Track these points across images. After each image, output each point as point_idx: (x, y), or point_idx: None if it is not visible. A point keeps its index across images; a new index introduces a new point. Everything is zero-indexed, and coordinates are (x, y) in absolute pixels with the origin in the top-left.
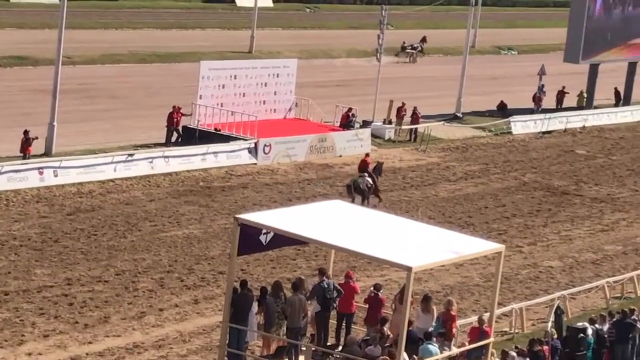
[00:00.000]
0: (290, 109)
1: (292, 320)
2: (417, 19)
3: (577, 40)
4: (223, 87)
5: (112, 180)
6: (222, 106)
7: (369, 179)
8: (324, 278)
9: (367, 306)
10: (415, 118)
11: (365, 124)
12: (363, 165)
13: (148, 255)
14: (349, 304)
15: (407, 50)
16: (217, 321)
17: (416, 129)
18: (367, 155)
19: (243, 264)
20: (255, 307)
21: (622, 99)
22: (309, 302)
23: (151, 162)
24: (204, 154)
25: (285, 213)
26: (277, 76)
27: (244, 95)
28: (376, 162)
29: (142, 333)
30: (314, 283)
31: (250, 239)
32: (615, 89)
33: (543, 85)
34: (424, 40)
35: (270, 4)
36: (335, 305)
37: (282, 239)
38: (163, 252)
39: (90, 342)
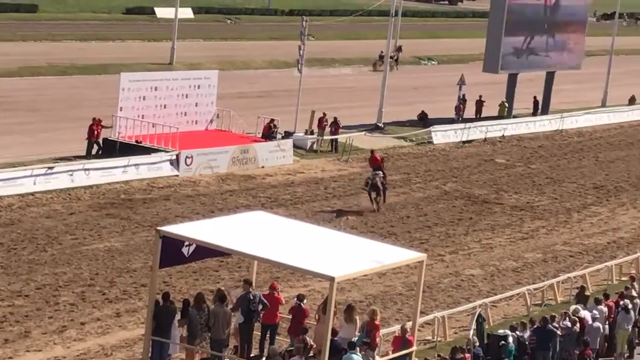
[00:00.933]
0: (211, 121)
1: (216, 332)
2: (338, 30)
3: (496, 50)
4: (144, 99)
5: (31, 194)
6: (143, 118)
7: (382, 175)
8: (250, 289)
9: (290, 317)
10: (335, 128)
11: (287, 134)
12: (375, 163)
13: (69, 269)
14: (274, 315)
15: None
16: (139, 334)
17: (337, 139)
18: (373, 151)
19: (165, 276)
20: (177, 319)
21: (538, 108)
22: (233, 313)
23: (71, 175)
24: (125, 166)
25: (207, 224)
26: (198, 87)
27: (165, 107)
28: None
29: (63, 347)
30: (236, 294)
31: (172, 251)
32: (535, 98)
33: (464, 95)
34: (399, 49)
35: (191, 15)
36: (259, 316)
37: (204, 251)
38: (84, 266)
39: (10, 357)
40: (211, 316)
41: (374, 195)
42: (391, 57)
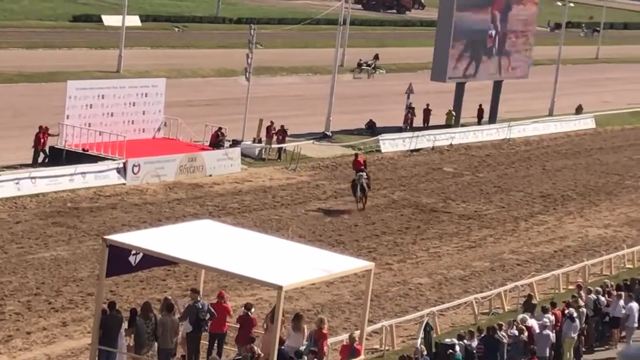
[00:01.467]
0: (159, 129)
1: (164, 341)
2: (286, 38)
3: (444, 59)
4: (91, 107)
5: None
6: (89, 126)
7: (365, 176)
8: (198, 298)
9: (238, 326)
10: (282, 136)
11: (235, 143)
12: (358, 165)
13: (15, 278)
14: (221, 324)
15: (364, 67)
16: (86, 344)
17: (283, 147)
18: (357, 155)
19: (112, 285)
20: (125, 328)
21: (482, 117)
22: (180, 322)
23: (17, 183)
24: (71, 174)
25: (154, 233)
26: (146, 96)
27: (112, 115)
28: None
29: (9, 357)
30: (184, 303)
31: (119, 260)
32: (480, 106)
33: (411, 103)
34: (376, 57)
35: (138, 23)
36: (207, 325)
37: (151, 260)
38: (30, 275)
39: None
40: (159, 325)
41: (360, 195)
42: (368, 65)
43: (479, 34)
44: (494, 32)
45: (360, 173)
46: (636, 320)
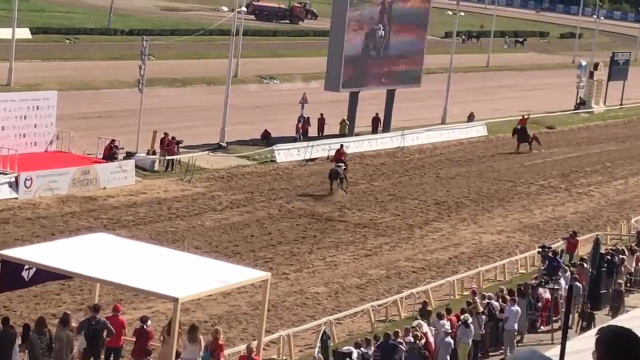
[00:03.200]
0: (51, 142)
1: (59, 356)
2: (179, 49)
3: (337, 69)
4: None
5: None
6: None
7: (343, 167)
8: (95, 315)
9: (134, 339)
10: (174, 148)
11: (129, 155)
12: (338, 156)
13: None
14: (117, 337)
15: None
16: None
17: (174, 159)
18: (342, 146)
19: (5, 300)
20: (18, 344)
21: (377, 126)
22: (75, 337)
23: None
24: None
25: (48, 247)
26: (37, 109)
27: (2, 129)
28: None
29: None
30: (79, 317)
31: (11, 275)
32: (376, 114)
33: (303, 114)
34: None
35: (29, 36)
36: (102, 340)
37: (45, 274)
38: None
39: None
40: (55, 340)
41: (336, 183)
42: None
43: (372, 42)
44: (386, 41)
45: (339, 164)
46: (515, 323)
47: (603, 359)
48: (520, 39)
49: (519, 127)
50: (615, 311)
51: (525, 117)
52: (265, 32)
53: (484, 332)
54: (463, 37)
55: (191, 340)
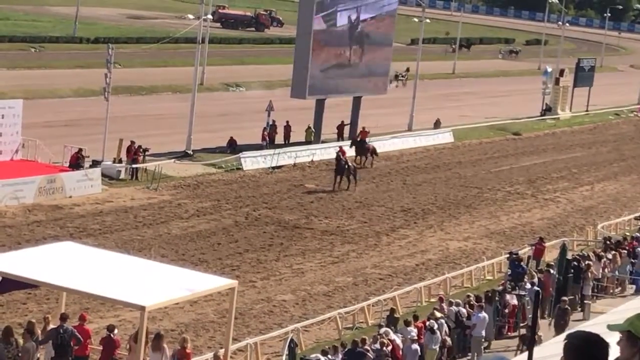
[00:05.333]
0: (17, 151)
1: None
2: (145, 57)
3: (303, 76)
4: None
5: None
6: None
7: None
8: (63, 323)
9: (101, 348)
10: (139, 156)
11: (95, 163)
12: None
13: None
14: (84, 346)
15: (399, 78)
16: None
17: (139, 168)
18: (340, 148)
19: None
20: None
21: (343, 133)
22: (41, 346)
23: None
24: None
25: (13, 256)
26: (3, 117)
27: None
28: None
29: None
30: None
31: None
32: (342, 122)
33: (274, 121)
34: (407, 70)
35: None
36: (71, 348)
37: (11, 283)
38: None
39: None
40: (23, 352)
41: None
42: (402, 76)
43: (338, 50)
44: (352, 49)
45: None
46: (483, 330)
47: None
48: (515, 49)
49: (358, 139)
50: (561, 329)
51: (367, 130)
52: (231, 39)
53: (447, 338)
54: (453, 45)
55: (154, 349)
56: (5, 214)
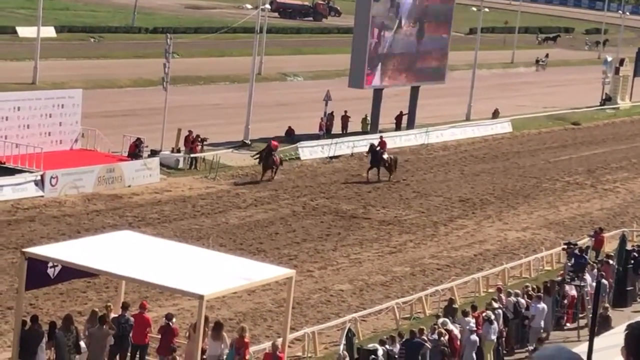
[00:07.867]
0: (76, 140)
1: (94, 353)
2: (203, 47)
3: (361, 65)
4: (6, 119)
5: None
6: (6, 138)
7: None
8: (124, 312)
9: (159, 336)
10: (196, 146)
11: (154, 153)
12: (383, 146)
13: None
14: (143, 335)
15: (540, 63)
16: (6, 358)
17: (198, 157)
18: (381, 137)
19: (32, 298)
20: (44, 342)
21: (401, 123)
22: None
23: None
24: None
25: (73, 245)
26: (62, 107)
27: (28, 127)
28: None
29: None
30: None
31: (37, 273)
32: (401, 112)
33: (327, 111)
34: (547, 55)
35: (54, 34)
36: (130, 337)
37: (70, 272)
38: None
39: None
40: (90, 337)
41: (374, 171)
42: (543, 62)
43: (395, 40)
44: (410, 38)
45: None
46: (542, 321)
47: (632, 354)
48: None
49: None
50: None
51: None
52: (289, 29)
53: (505, 328)
54: (539, 38)
55: (215, 338)
56: (65, 203)
